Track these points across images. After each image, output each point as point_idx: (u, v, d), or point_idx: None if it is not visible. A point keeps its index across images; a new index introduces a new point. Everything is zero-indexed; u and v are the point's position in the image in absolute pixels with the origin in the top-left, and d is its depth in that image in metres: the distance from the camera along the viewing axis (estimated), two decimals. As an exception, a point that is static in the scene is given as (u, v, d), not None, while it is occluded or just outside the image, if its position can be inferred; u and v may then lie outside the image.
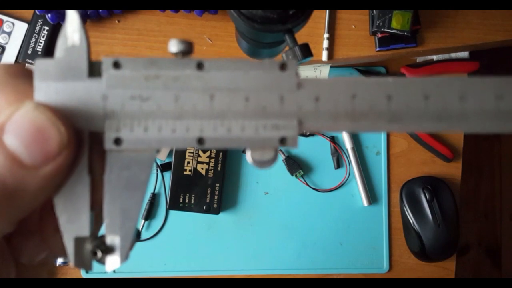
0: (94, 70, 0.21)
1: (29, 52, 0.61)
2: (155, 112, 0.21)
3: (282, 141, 0.21)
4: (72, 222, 0.20)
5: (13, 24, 0.62)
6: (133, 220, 0.21)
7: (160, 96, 0.21)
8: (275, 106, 0.21)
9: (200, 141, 0.21)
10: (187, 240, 0.72)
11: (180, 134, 0.21)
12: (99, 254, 0.20)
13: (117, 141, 0.20)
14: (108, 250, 0.21)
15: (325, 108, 0.20)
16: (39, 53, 0.61)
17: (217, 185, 0.70)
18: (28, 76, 0.21)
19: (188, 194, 0.69)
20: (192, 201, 0.69)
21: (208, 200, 0.69)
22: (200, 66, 0.21)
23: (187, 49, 0.21)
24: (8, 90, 0.20)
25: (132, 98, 0.21)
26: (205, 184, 0.70)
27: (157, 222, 0.72)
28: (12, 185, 0.18)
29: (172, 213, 0.72)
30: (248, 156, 0.21)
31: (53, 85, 0.20)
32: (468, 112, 0.21)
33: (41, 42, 0.61)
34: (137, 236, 0.23)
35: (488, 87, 0.21)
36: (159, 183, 0.71)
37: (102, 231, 0.21)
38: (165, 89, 0.21)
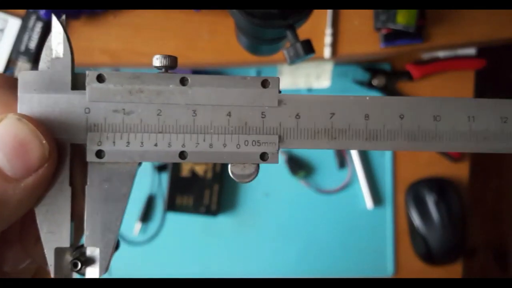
0: (77, 82, 0.21)
1: (22, 50, 0.61)
2: (138, 126, 0.21)
3: (263, 157, 0.21)
4: (53, 233, 0.21)
5: (6, 20, 0.61)
6: (113, 232, 0.21)
7: (143, 110, 0.21)
8: (256, 122, 0.21)
9: (182, 155, 0.21)
10: (185, 242, 0.72)
11: (162, 148, 0.21)
12: (79, 265, 0.21)
13: (99, 154, 0.21)
14: (88, 261, 0.21)
15: (305, 125, 0.21)
16: (32, 51, 0.61)
17: (216, 186, 0.69)
18: (12, 86, 0.21)
19: (185, 196, 0.69)
20: (190, 203, 0.69)
21: (206, 202, 0.69)
22: (183, 81, 0.21)
23: (171, 64, 0.21)
24: None
25: (115, 112, 0.21)
26: (203, 185, 0.69)
27: (153, 224, 0.71)
28: None
29: (169, 214, 0.71)
30: (229, 170, 0.21)
31: (36, 96, 0.20)
32: (441, 132, 0.21)
33: (34, 39, 0.60)
34: (117, 247, 0.23)
35: (461, 108, 0.21)
36: (156, 184, 0.71)
37: (83, 240, 0.22)
38: (148, 103, 0.21)
